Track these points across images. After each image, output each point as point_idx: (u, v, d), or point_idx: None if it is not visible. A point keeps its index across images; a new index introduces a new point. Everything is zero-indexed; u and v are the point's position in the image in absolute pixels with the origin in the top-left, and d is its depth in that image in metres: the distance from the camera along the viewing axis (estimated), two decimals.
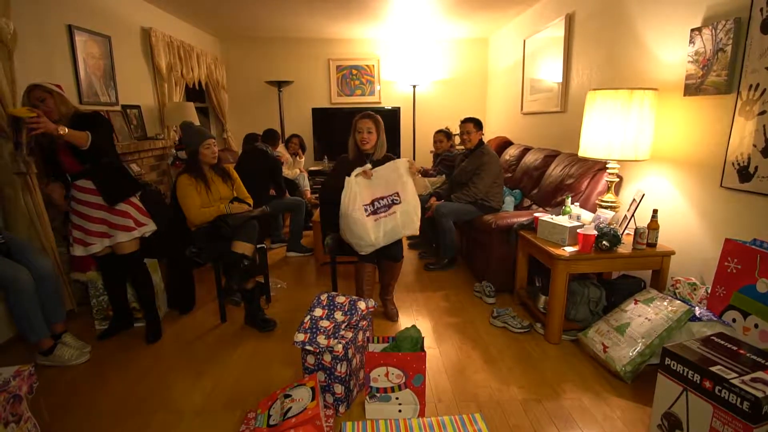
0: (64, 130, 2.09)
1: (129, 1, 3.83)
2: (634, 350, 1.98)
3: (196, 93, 5.28)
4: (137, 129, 3.86)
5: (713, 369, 1.42)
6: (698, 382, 1.44)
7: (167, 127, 4.29)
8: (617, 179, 2.61)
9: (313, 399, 1.61)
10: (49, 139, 2.17)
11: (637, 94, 2.32)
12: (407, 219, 2.49)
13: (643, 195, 2.33)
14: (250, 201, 2.86)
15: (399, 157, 2.79)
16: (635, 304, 2.17)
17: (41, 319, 2.15)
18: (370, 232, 2.42)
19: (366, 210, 2.43)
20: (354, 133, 2.59)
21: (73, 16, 3.09)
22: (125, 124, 3.65)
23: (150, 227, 2.51)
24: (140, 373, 2.18)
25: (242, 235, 2.52)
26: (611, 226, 2.31)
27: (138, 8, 3.97)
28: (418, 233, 2.60)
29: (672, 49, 2.42)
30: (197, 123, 4.23)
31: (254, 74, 5.99)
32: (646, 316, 2.06)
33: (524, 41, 4.60)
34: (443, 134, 4.49)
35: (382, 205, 2.48)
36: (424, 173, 4.49)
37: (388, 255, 2.59)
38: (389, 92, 6.20)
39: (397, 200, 2.49)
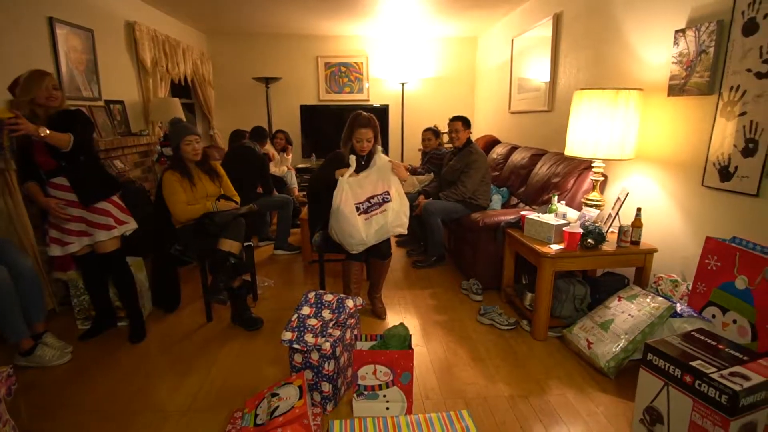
0: (45, 132, 2.03)
1: None
2: (618, 346, 2.02)
3: (182, 89, 5.21)
4: (121, 125, 3.79)
5: (693, 364, 1.45)
6: (679, 376, 1.47)
7: (152, 123, 4.22)
8: (602, 178, 2.65)
9: (300, 397, 1.60)
10: (25, 137, 2.10)
11: (622, 94, 2.35)
12: (396, 217, 2.49)
13: (628, 193, 2.37)
14: (238, 198, 2.83)
15: (386, 153, 2.78)
16: (619, 300, 2.20)
17: (21, 319, 2.10)
18: (361, 230, 2.41)
19: (358, 209, 2.42)
20: (352, 136, 2.52)
21: (53, 9, 3.02)
22: (108, 120, 3.58)
23: (131, 226, 2.46)
24: (124, 373, 2.15)
25: (229, 233, 2.49)
26: (596, 224, 2.34)
27: (122, 2, 3.89)
28: (406, 232, 2.60)
29: (657, 50, 2.46)
30: (183, 119, 4.18)
31: (242, 70, 5.92)
32: (629, 313, 2.09)
33: (512, 40, 4.62)
34: (431, 132, 4.50)
35: (374, 204, 2.47)
36: (413, 171, 4.49)
37: (377, 253, 2.59)
38: (378, 90, 6.19)
39: (387, 198, 2.49)
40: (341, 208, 2.38)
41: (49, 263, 2.68)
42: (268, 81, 5.69)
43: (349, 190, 2.42)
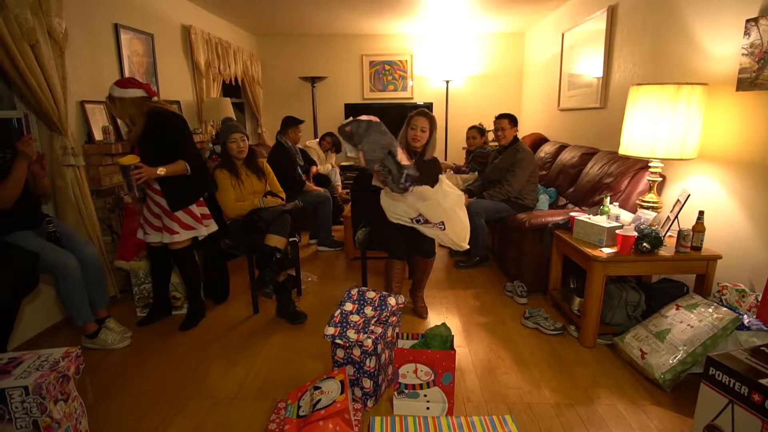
0: (162, 171, 2.31)
1: (170, 0, 3.95)
2: (675, 358, 1.90)
3: (232, 89, 5.41)
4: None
5: (763, 381, 1.34)
6: (746, 394, 1.36)
7: (205, 122, 4.41)
8: (660, 179, 2.50)
9: (342, 392, 1.62)
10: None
11: (684, 89, 2.21)
12: (449, 240, 2.39)
13: (689, 195, 2.23)
14: (283, 195, 2.91)
15: (441, 159, 2.71)
16: (677, 309, 2.08)
17: (87, 304, 2.27)
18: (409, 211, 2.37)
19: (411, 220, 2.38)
20: (407, 128, 2.58)
21: (119, 15, 3.22)
22: None
23: (200, 231, 2.58)
24: (177, 359, 2.26)
25: (275, 229, 2.57)
26: (653, 228, 2.22)
27: (179, 6, 4.09)
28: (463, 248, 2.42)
29: (724, 41, 2.29)
30: (233, 118, 4.34)
31: (289, 70, 6.08)
32: (688, 323, 1.97)
33: (563, 35, 4.46)
34: (476, 130, 4.43)
35: (425, 221, 2.38)
36: (457, 170, 4.44)
37: (421, 251, 2.58)
38: (422, 88, 6.16)
39: (442, 227, 2.34)
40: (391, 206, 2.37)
41: (111, 253, 2.87)
42: (314, 80, 5.80)
43: (403, 202, 2.35)
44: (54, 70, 2.43)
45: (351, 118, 2.25)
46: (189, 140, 2.50)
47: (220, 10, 4.64)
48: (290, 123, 4.08)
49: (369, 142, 2.18)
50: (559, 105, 4.66)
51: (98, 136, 2.87)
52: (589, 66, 3.89)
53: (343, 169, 5.59)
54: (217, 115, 4.28)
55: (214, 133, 4.40)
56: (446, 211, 2.29)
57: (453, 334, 1.95)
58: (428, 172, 2.62)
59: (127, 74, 3.28)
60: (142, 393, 1.99)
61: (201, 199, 2.59)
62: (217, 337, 2.49)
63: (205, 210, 2.62)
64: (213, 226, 2.64)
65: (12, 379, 1.37)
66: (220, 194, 2.66)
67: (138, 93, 2.36)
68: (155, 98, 2.48)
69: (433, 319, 2.67)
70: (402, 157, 2.21)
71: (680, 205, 2.23)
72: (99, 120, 2.93)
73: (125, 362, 2.25)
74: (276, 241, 2.55)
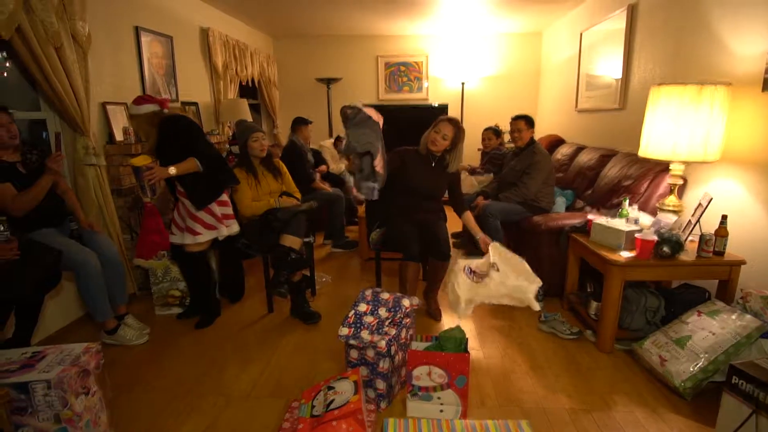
0: (174, 170, 2.35)
1: (189, 2, 4.02)
2: (696, 365, 1.85)
3: (249, 90, 5.47)
4: None
5: None
6: None
7: (222, 123, 4.47)
8: (681, 181, 2.44)
9: (355, 393, 1.62)
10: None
11: (707, 89, 2.16)
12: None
13: (711, 199, 2.17)
14: (298, 195, 2.92)
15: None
16: (698, 316, 2.03)
17: (107, 301, 2.32)
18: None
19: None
20: (432, 128, 2.56)
21: (139, 18, 3.29)
22: None
23: (233, 228, 2.64)
24: (192, 357, 2.29)
25: (290, 229, 2.58)
26: (673, 232, 2.17)
27: (197, 9, 4.16)
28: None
29: (750, 39, 2.22)
30: (250, 119, 4.39)
31: (304, 71, 6.12)
32: (710, 330, 1.92)
33: (581, 34, 4.40)
34: (492, 132, 4.39)
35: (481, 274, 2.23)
36: (471, 171, 4.41)
37: (436, 253, 2.57)
38: (437, 89, 6.14)
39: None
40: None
41: (130, 251, 2.93)
42: (329, 81, 5.83)
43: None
44: (77, 72, 2.49)
45: (361, 104, 2.29)
46: (198, 138, 2.53)
47: (237, 12, 4.70)
48: (299, 122, 4.26)
49: (357, 132, 2.24)
50: (576, 106, 4.60)
51: (119, 136, 2.93)
52: (607, 66, 3.83)
53: None
54: (234, 117, 4.33)
55: (230, 134, 4.45)
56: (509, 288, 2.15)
57: (467, 336, 1.93)
58: (442, 179, 2.61)
59: (147, 75, 3.35)
60: (159, 389, 2.02)
61: (226, 199, 2.62)
62: (232, 336, 2.52)
63: (228, 210, 2.65)
64: (235, 227, 2.67)
65: (35, 372, 1.41)
66: (237, 194, 2.69)
67: (151, 108, 2.45)
68: (166, 110, 2.53)
69: (447, 321, 2.66)
70: (379, 164, 2.28)
71: (702, 208, 2.18)
72: (120, 120, 2.99)
73: (143, 358, 2.29)
74: (291, 241, 2.57)
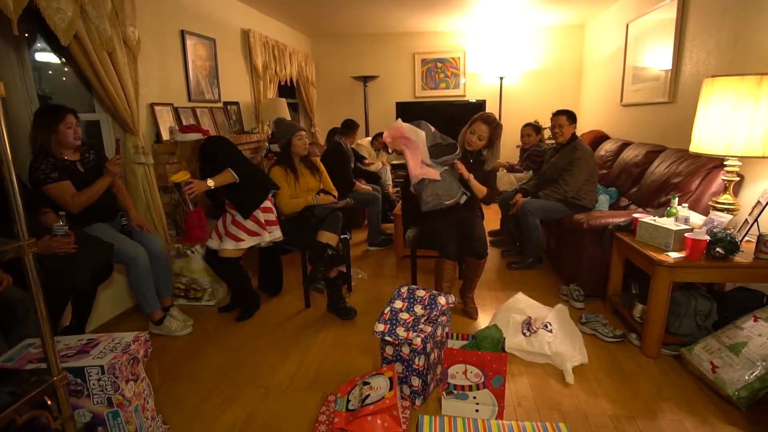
0: (212, 183, 2.45)
1: (231, 5, 4.14)
2: (752, 374, 1.74)
3: (287, 89, 5.58)
4: (236, 124, 4.18)
5: None
6: None
7: (261, 122, 4.59)
8: (737, 178, 2.29)
9: (390, 389, 1.63)
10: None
11: (767, 80, 2.01)
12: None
13: None
14: (335, 192, 2.96)
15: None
16: (755, 321, 1.90)
17: (154, 293, 2.43)
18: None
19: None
20: (468, 127, 2.56)
21: (185, 22, 3.42)
22: (226, 120, 3.97)
23: (275, 234, 2.71)
24: (233, 349, 2.37)
25: (328, 226, 2.62)
26: (728, 231, 2.04)
27: (239, 11, 4.28)
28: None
29: None
30: (288, 118, 4.48)
31: (341, 70, 6.18)
32: None
33: (627, 26, 4.21)
34: (532, 128, 4.28)
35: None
36: (510, 168, 4.32)
37: (472, 251, 2.54)
38: (474, 85, 6.05)
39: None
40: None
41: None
42: (366, 79, 5.86)
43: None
44: (128, 75, 2.62)
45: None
46: (230, 152, 2.62)
47: (277, 13, 4.81)
48: (352, 126, 4.32)
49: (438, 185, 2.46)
50: (621, 100, 4.41)
51: (165, 135, 3.07)
52: (656, 58, 3.65)
53: (394, 167, 5.61)
54: (273, 116, 4.43)
55: (270, 133, 4.56)
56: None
57: (504, 336, 1.90)
58: (478, 177, 2.58)
59: (191, 77, 3.48)
60: (202, 379, 2.10)
61: (270, 205, 2.68)
62: (271, 329, 2.58)
63: (271, 216, 2.69)
64: (277, 233, 2.71)
65: (90, 358, 1.50)
66: (276, 191, 2.75)
67: (195, 137, 2.56)
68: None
69: (484, 320, 2.62)
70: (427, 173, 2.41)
71: (761, 206, 2.04)
72: (166, 120, 3.13)
73: (186, 349, 2.39)
74: (328, 237, 2.61)
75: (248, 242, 2.59)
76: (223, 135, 3.78)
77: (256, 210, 2.59)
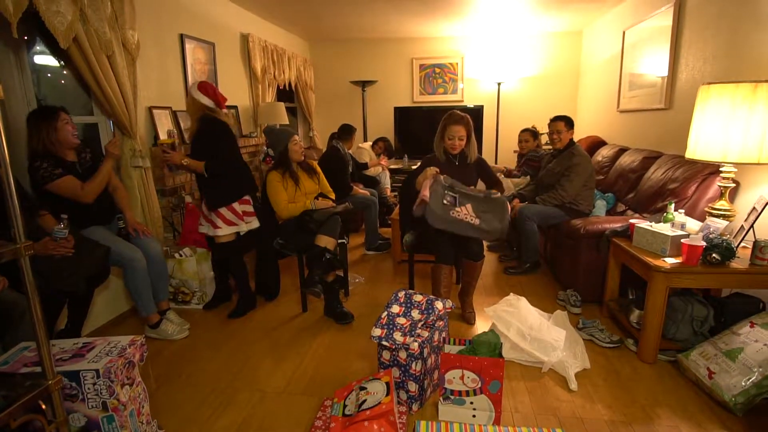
0: (186, 161, 2.58)
1: (231, 9, 4.15)
2: (749, 380, 1.74)
3: (286, 93, 5.59)
4: (234, 128, 4.18)
5: None
6: None
7: (260, 126, 4.59)
8: (733, 184, 2.31)
9: (387, 394, 1.63)
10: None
11: (762, 87, 2.03)
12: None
13: (767, 203, 2.04)
14: (333, 196, 2.96)
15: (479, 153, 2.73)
16: (751, 327, 1.91)
17: (151, 297, 2.42)
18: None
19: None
20: (443, 136, 2.57)
21: (184, 26, 3.43)
22: None
23: (252, 225, 2.80)
24: (229, 352, 2.36)
25: (326, 230, 2.62)
26: (724, 237, 2.05)
27: (238, 15, 4.29)
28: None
29: None
30: (286, 122, 4.49)
31: (340, 75, 6.20)
32: (764, 342, 1.80)
33: (624, 33, 4.24)
34: (530, 133, 4.30)
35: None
36: (508, 174, 4.33)
37: (468, 253, 2.54)
38: (472, 90, 6.07)
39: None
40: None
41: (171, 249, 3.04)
42: (364, 84, 5.88)
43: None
44: (126, 78, 2.62)
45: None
46: (224, 145, 2.63)
47: (276, 17, 4.82)
48: (350, 131, 4.33)
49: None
50: (618, 106, 4.44)
51: (163, 138, 3.06)
52: (652, 65, 3.67)
53: (392, 171, 5.61)
54: (271, 119, 4.44)
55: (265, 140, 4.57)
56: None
57: (501, 341, 1.90)
58: (470, 174, 2.60)
59: (190, 80, 3.47)
60: (198, 383, 2.09)
61: (248, 198, 2.76)
62: (268, 333, 2.57)
63: (249, 208, 2.78)
64: (254, 223, 2.82)
65: (85, 362, 1.49)
66: (274, 196, 2.75)
67: (206, 101, 2.58)
68: (223, 110, 2.68)
69: (481, 325, 2.62)
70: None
71: (757, 213, 2.05)
72: (165, 124, 3.12)
73: (183, 352, 2.38)
74: (326, 241, 2.61)
75: (224, 230, 2.68)
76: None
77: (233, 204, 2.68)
